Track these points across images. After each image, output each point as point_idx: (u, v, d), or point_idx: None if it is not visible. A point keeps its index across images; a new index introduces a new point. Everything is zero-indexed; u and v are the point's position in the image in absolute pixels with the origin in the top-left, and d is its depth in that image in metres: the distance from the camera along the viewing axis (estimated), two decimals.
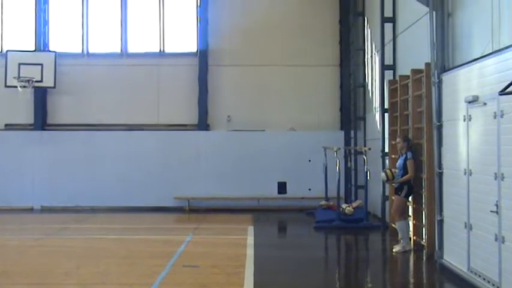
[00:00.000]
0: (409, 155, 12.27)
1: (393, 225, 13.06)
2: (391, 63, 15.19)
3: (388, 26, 15.21)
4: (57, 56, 19.51)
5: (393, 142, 13.54)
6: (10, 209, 19.26)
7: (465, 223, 9.59)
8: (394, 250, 12.21)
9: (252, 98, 20.34)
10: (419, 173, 12.43)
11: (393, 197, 13.07)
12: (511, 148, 7.89)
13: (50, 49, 20.27)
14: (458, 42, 10.38)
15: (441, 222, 10.84)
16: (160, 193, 19.62)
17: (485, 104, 8.77)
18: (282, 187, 19.80)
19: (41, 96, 20.17)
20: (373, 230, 15.24)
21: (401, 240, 12.25)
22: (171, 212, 18.94)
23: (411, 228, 12.93)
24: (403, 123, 13.69)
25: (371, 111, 17.69)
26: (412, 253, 12.10)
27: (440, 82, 10.78)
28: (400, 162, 12.53)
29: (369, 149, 16.27)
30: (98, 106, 20.36)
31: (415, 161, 12.26)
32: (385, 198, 14.96)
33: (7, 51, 19.48)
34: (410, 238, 12.52)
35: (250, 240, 13.56)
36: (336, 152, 16.54)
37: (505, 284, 8.12)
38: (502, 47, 8.40)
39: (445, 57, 10.78)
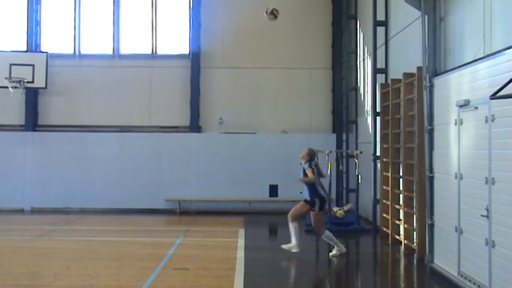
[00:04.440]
0: (306, 165, 12.29)
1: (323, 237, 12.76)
2: (383, 66, 15.22)
3: (381, 30, 15.24)
4: (49, 56, 19.36)
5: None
6: (0, 210, 19.15)
7: (456, 227, 9.60)
8: (331, 254, 12.17)
9: (244, 101, 20.32)
10: (409, 177, 12.45)
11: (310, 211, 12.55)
12: (502, 152, 7.90)
13: (42, 50, 20.18)
14: (450, 46, 10.39)
15: (432, 226, 10.85)
16: (151, 195, 19.57)
17: (476, 108, 8.78)
18: (273, 190, 19.78)
19: (32, 97, 20.10)
20: (363, 233, 15.24)
21: (335, 246, 12.22)
22: (162, 214, 18.89)
23: (402, 232, 12.95)
24: (394, 126, 13.71)
25: (363, 115, 17.71)
26: (403, 257, 12.10)
27: (431, 86, 10.79)
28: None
29: (361, 152, 16.28)
30: (90, 107, 20.29)
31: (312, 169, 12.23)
32: (376, 201, 14.96)
33: None
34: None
35: (241, 243, 13.53)
36: (328, 155, 16.51)
37: None
38: (493, 51, 8.42)
39: (436, 61, 10.81)
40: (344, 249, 12.29)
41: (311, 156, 12.61)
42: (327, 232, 12.34)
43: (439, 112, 10.60)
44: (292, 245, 12.30)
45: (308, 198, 12.32)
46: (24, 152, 19.88)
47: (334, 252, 12.21)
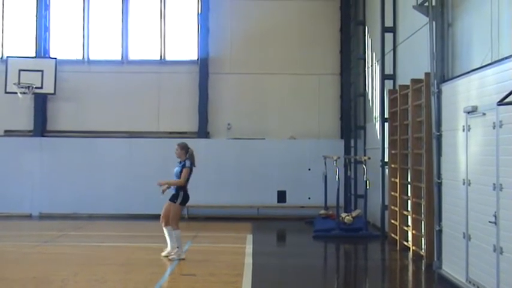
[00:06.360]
0: (187, 163, 12.31)
1: (164, 229, 12.37)
2: (391, 72, 15.21)
3: (389, 36, 15.24)
4: (58, 62, 19.50)
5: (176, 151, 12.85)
6: (8, 215, 19.24)
7: (464, 233, 9.57)
8: (168, 257, 11.93)
9: (253, 106, 20.34)
10: (418, 183, 12.42)
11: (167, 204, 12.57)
12: (510, 159, 7.88)
13: (51, 55, 20.28)
14: (457, 52, 10.38)
15: (440, 232, 10.82)
16: (159, 201, 19.47)
17: (484, 114, 8.76)
18: (281, 196, 19.77)
19: (41, 102, 20.19)
20: (372, 239, 15.20)
21: (178, 248, 11.99)
22: None
23: (410, 238, 12.93)
24: (402, 132, 13.69)
25: (371, 121, 17.69)
26: (411, 263, 12.07)
27: (439, 92, 10.78)
28: (177, 169, 12.51)
29: (369, 158, 16.26)
30: (98, 113, 20.37)
31: (190, 170, 12.29)
32: (384, 207, 14.94)
33: (7, 57, 19.48)
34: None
35: (249, 248, 13.52)
36: (336, 161, 16.51)
37: None
38: (501, 57, 8.40)
39: (444, 67, 10.79)
40: (183, 256, 11.98)
41: (187, 150, 12.52)
42: (178, 232, 12.04)
43: (447, 118, 10.58)
44: (181, 252, 12.05)
45: (173, 191, 12.31)
46: (32, 157, 19.95)
47: (172, 255, 11.91)
